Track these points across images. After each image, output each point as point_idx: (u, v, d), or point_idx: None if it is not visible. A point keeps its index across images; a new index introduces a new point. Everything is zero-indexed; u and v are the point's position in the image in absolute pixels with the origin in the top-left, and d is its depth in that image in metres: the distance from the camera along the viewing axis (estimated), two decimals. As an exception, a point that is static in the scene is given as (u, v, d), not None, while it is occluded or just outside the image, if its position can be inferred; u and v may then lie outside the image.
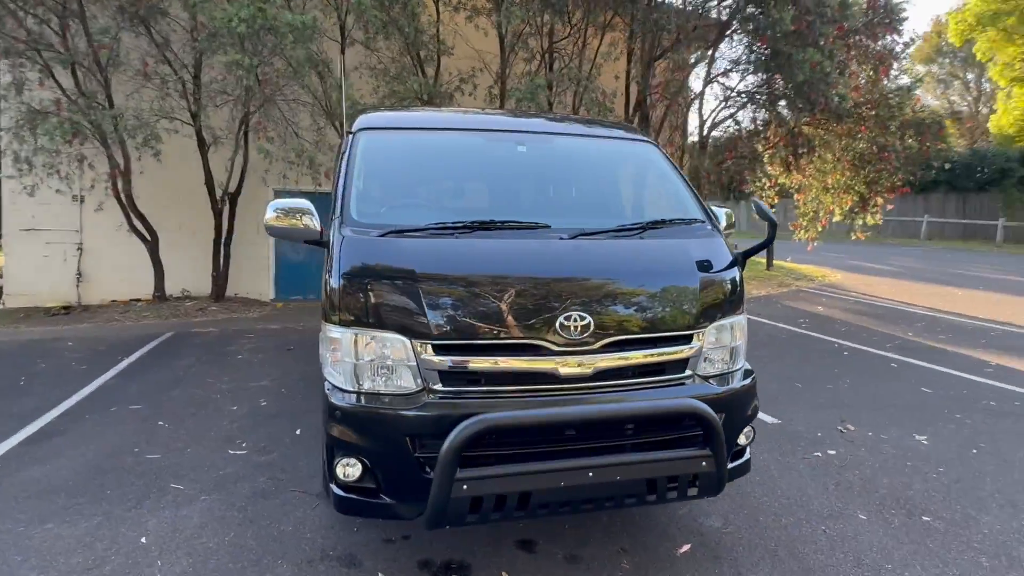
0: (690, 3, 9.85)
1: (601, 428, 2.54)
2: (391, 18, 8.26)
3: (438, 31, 9.17)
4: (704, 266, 2.85)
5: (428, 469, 2.40)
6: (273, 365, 6.48)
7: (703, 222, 3.15)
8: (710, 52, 10.07)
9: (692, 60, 11.47)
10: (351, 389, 2.50)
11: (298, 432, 4.53)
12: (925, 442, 4.43)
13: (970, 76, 36.42)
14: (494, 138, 3.44)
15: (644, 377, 2.68)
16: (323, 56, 8.42)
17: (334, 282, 2.57)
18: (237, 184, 10.04)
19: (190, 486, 3.65)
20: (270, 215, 2.91)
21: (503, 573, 2.79)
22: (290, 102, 8.87)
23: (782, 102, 9.48)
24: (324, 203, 2.91)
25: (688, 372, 2.75)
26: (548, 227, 2.86)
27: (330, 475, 2.54)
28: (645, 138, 3.69)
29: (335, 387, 2.54)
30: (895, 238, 26.12)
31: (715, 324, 2.80)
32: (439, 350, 2.47)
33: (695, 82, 10.85)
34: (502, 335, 2.49)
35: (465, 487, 2.28)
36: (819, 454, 4.21)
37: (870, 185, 10.43)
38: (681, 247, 2.92)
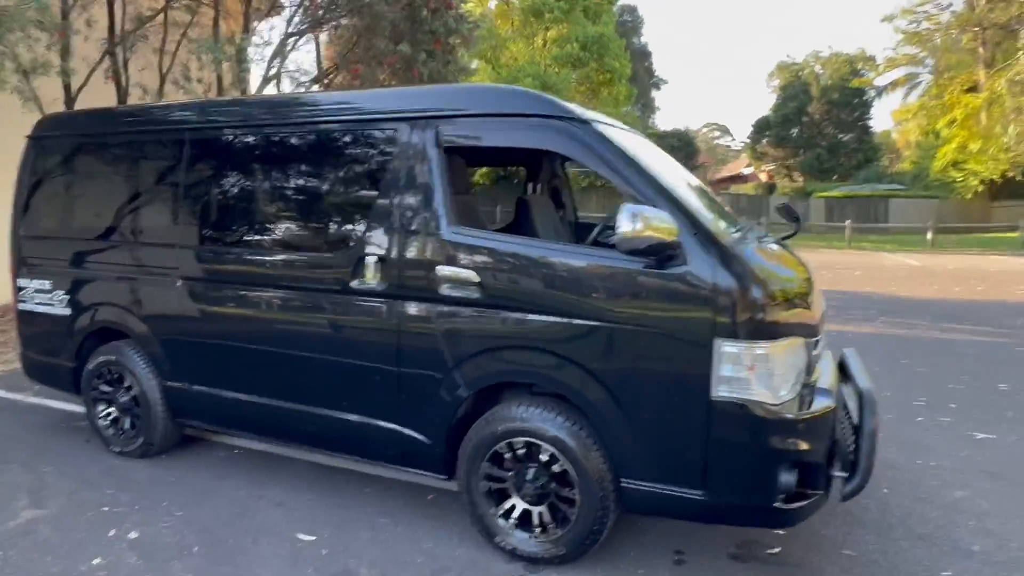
0: None
1: None
2: None
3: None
4: None
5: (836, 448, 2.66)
6: None
7: None
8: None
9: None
10: (777, 402, 2.45)
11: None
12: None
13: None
14: None
15: None
16: None
17: (748, 295, 2.44)
18: None
19: None
20: (628, 225, 2.36)
21: None
22: None
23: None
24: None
25: None
26: None
27: (774, 494, 2.48)
28: None
29: (760, 403, 2.44)
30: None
31: None
32: (812, 345, 2.67)
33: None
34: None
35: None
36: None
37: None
38: None
